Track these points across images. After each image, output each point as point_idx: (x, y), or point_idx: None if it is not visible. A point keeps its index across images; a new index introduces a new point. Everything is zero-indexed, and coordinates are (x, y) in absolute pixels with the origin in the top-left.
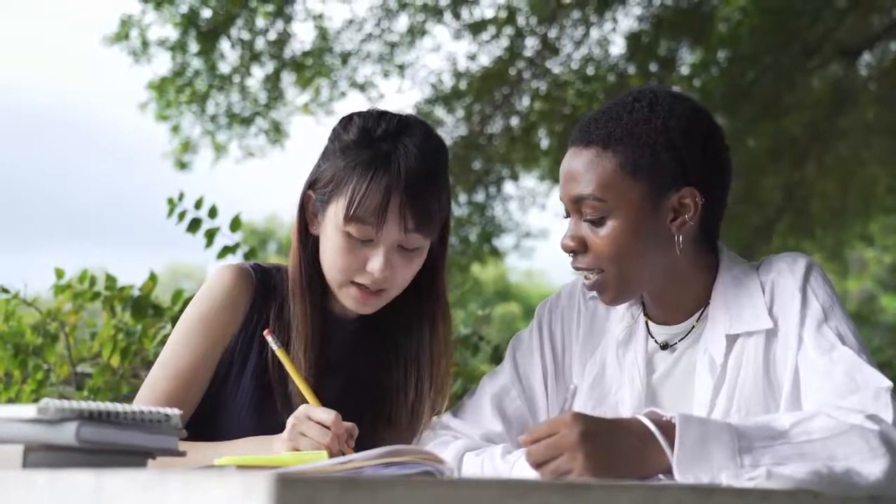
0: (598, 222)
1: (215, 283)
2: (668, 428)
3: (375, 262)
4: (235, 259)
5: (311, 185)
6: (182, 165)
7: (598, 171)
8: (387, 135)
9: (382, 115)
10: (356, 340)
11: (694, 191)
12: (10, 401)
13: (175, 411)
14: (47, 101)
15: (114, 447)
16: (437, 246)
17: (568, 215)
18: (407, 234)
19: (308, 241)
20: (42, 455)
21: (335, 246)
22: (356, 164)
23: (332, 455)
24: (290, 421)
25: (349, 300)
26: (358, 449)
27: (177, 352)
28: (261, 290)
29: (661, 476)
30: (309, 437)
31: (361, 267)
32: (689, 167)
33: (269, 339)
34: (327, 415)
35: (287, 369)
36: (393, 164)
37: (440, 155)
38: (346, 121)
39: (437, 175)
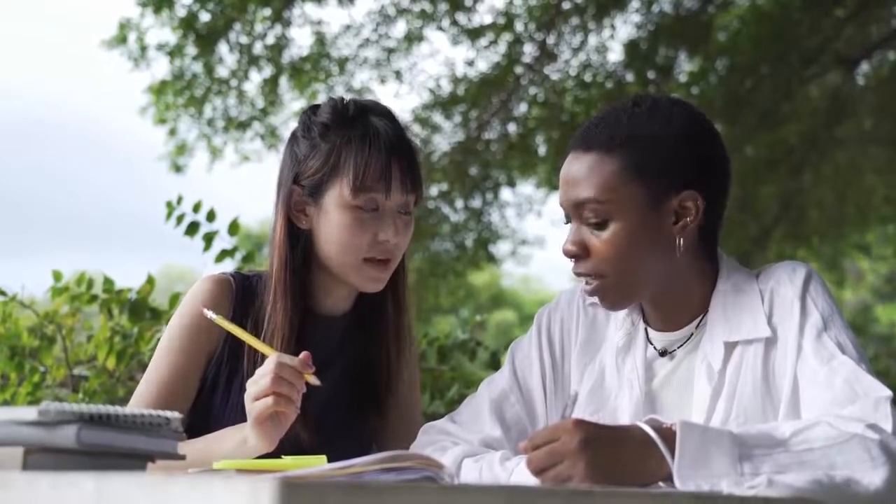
0: (599, 226)
1: (196, 294)
2: (668, 435)
3: (388, 229)
4: (233, 262)
5: (295, 179)
6: (177, 168)
7: (600, 174)
8: (358, 113)
9: (341, 100)
10: (345, 337)
11: (695, 193)
12: (6, 403)
13: (175, 415)
14: (47, 104)
15: (114, 450)
16: None
17: (569, 221)
18: (407, 194)
19: (298, 239)
20: (42, 458)
21: (344, 226)
22: (350, 138)
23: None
24: (251, 390)
25: (364, 280)
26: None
27: (162, 362)
28: (241, 297)
29: (661, 483)
30: (283, 392)
31: (373, 240)
32: (690, 170)
33: (208, 313)
34: (270, 363)
35: (236, 335)
36: (382, 133)
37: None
38: (311, 112)
39: (412, 144)
